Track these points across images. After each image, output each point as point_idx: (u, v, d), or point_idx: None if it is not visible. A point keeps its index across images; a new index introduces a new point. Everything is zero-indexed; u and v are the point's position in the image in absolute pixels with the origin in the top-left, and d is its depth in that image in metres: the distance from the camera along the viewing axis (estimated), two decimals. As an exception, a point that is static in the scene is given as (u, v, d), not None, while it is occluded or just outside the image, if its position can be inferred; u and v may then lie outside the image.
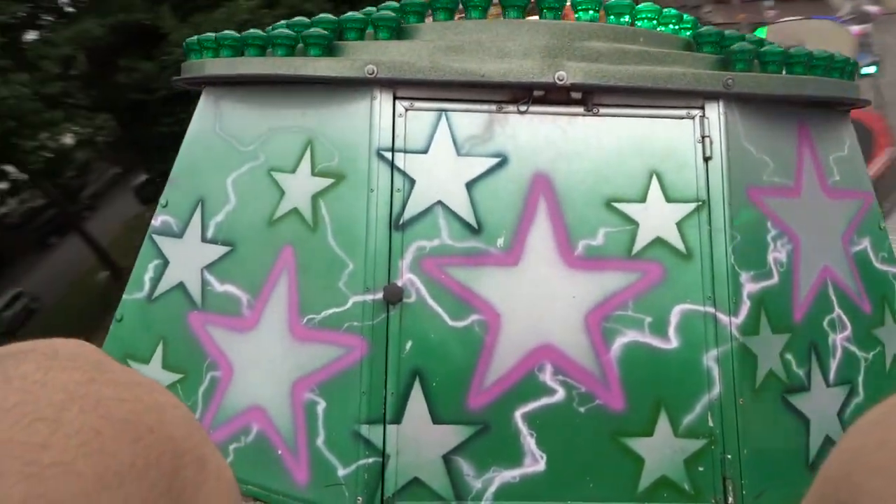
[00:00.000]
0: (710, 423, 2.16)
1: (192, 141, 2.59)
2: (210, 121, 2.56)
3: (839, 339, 2.43)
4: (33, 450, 0.32)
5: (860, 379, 2.45)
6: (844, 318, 2.46)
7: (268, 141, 2.43)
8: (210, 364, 2.38)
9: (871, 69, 12.28)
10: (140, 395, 0.39)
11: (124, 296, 2.56)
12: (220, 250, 2.42)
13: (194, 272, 2.45)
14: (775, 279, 2.33)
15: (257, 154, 2.43)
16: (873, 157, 13.30)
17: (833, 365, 2.40)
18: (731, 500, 2.13)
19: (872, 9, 12.03)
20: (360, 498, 2.10)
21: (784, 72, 2.55)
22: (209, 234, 2.45)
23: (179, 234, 2.51)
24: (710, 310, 2.21)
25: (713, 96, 2.37)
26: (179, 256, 2.50)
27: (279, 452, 2.23)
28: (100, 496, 0.32)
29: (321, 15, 2.62)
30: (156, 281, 2.52)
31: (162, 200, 2.57)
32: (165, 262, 2.52)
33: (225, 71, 2.50)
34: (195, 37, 2.69)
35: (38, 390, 0.35)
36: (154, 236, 2.56)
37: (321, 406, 2.19)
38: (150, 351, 2.49)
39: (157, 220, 2.56)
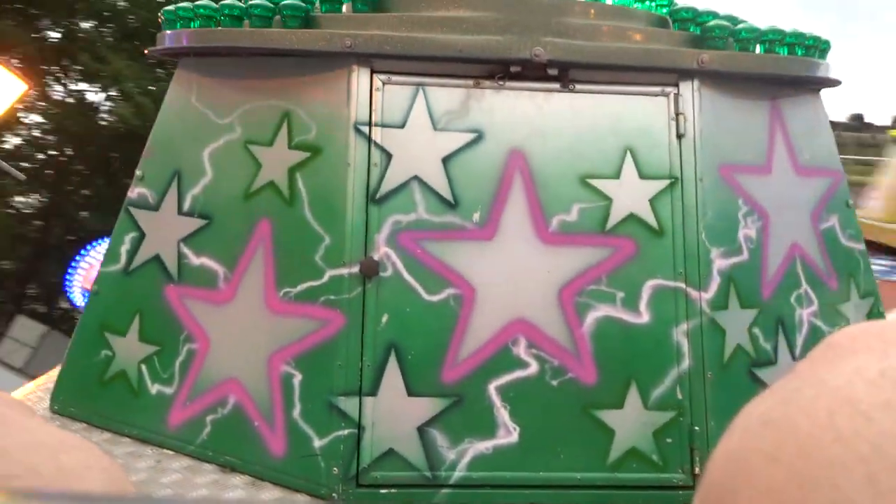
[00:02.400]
0: (679, 396, 2.21)
1: (168, 113, 2.57)
2: (186, 92, 2.54)
3: (806, 314, 2.49)
4: None
5: None
6: (812, 293, 2.51)
7: (245, 114, 2.42)
8: (186, 336, 2.39)
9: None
10: (37, 466, 0.34)
11: (100, 268, 2.55)
12: (197, 223, 2.42)
13: (171, 245, 2.44)
14: (745, 256, 2.37)
15: (234, 127, 2.42)
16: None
17: (799, 340, 2.46)
18: (697, 470, 2.19)
19: None
20: (335, 469, 2.13)
21: (757, 50, 2.58)
22: (185, 206, 2.45)
23: (156, 207, 2.50)
24: (681, 285, 2.25)
25: (687, 74, 2.39)
26: (156, 229, 2.49)
27: (256, 424, 2.26)
28: None
29: None
30: (132, 254, 2.52)
31: (138, 172, 2.56)
32: (142, 235, 2.52)
33: (200, 42, 2.48)
34: (172, 6, 2.66)
35: None
36: (130, 209, 2.55)
37: (297, 378, 2.21)
38: (127, 323, 2.50)
39: (134, 193, 2.55)
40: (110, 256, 2.54)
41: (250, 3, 2.50)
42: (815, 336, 2.50)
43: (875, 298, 2.75)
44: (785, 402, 0.32)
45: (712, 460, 0.35)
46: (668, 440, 2.20)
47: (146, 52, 2.76)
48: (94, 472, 0.36)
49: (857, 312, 2.65)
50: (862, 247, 2.75)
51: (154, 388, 2.43)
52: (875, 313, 2.73)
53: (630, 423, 2.20)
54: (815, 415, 0.30)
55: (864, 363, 0.31)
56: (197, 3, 2.56)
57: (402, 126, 2.29)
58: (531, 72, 2.34)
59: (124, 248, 2.52)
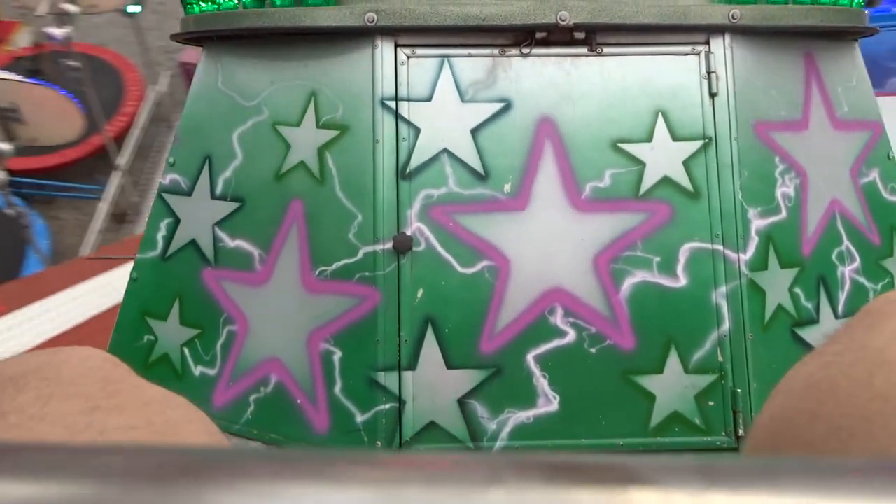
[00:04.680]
0: (720, 359, 2.19)
1: (195, 98, 2.58)
2: (213, 77, 2.55)
3: (848, 272, 2.44)
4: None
5: None
6: (853, 250, 2.46)
7: (271, 95, 2.42)
8: (226, 319, 2.42)
9: (137, 8, 11.04)
10: (150, 418, 0.36)
11: (138, 255, 2.59)
12: (230, 206, 2.44)
13: (206, 229, 2.47)
14: (783, 214, 2.33)
15: (261, 108, 2.43)
16: (122, 106, 11.95)
17: (842, 297, 2.41)
18: (741, 432, 2.17)
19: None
20: (378, 443, 2.15)
21: (790, 2, 2.50)
22: (218, 190, 2.47)
23: (189, 192, 2.53)
24: (719, 247, 2.22)
25: (718, 30, 2.33)
26: (190, 214, 2.52)
27: (298, 402, 2.29)
28: None
29: None
30: (168, 239, 2.55)
31: (169, 159, 2.58)
32: (177, 221, 2.54)
33: (224, 25, 2.48)
34: None
35: (35, 427, 0.33)
36: (164, 195, 2.58)
37: (337, 355, 2.23)
38: (167, 308, 2.53)
39: (166, 179, 2.58)
40: (147, 243, 2.57)
41: None
42: (858, 293, 2.45)
43: None
44: (826, 366, 0.35)
45: (757, 423, 0.38)
46: (710, 403, 2.19)
47: (171, 36, 2.77)
48: (195, 424, 0.39)
49: (900, 267, 2.60)
50: None
51: (197, 371, 2.47)
52: None
53: (671, 387, 2.19)
54: (854, 375, 0.32)
55: None
56: None
57: (429, 99, 2.27)
58: (557, 37, 2.30)
59: (160, 235, 2.55)
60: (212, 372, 2.44)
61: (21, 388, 0.36)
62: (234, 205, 2.43)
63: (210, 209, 2.47)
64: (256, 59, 2.49)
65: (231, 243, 2.43)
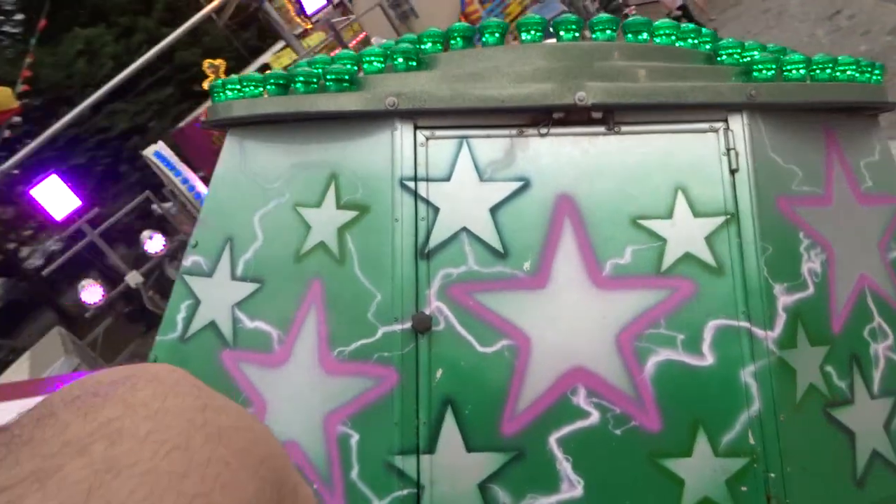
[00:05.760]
0: (751, 441, 2.11)
1: (219, 181, 2.63)
2: (236, 161, 2.60)
3: (881, 349, 2.36)
4: (177, 480, 0.32)
5: None
6: (885, 326, 2.39)
7: (292, 177, 2.46)
8: (244, 400, 2.39)
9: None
10: (251, 424, 0.39)
11: (158, 337, 2.59)
12: (250, 287, 2.45)
13: (225, 310, 2.47)
14: (811, 290, 2.28)
15: (282, 191, 2.46)
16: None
17: (877, 376, 2.33)
18: None
19: None
20: None
21: (808, 79, 2.51)
22: (238, 271, 2.48)
23: (209, 273, 2.54)
24: (745, 324, 2.17)
25: (736, 108, 2.34)
26: (210, 295, 2.53)
27: (315, 486, 2.23)
28: None
29: (341, 51, 2.66)
30: (188, 321, 2.55)
31: (192, 241, 2.62)
32: (197, 302, 2.55)
33: (248, 111, 2.55)
34: (219, 80, 2.75)
35: (164, 418, 0.35)
36: (185, 276, 2.60)
37: (354, 438, 2.18)
38: None
39: (188, 261, 2.60)
40: (167, 325, 2.58)
41: (294, 70, 2.57)
42: (893, 371, 2.36)
43: None
44: None
45: None
46: (743, 488, 2.09)
47: (198, 124, 2.84)
48: (274, 437, 0.41)
49: (937, 343, 2.51)
50: None
51: (214, 454, 2.43)
52: None
53: (700, 471, 2.10)
54: None
55: None
56: (243, 75, 2.64)
57: (448, 179, 2.29)
58: (575, 117, 2.32)
59: (180, 317, 2.56)
60: (229, 456, 2.40)
61: (135, 387, 0.38)
62: (254, 286, 2.44)
63: (230, 290, 2.48)
64: (278, 143, 2.54)
65: (250, 324, 2.42)
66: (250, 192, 2.52)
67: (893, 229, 2.54)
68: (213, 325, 2.49)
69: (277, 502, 0.36)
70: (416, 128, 2.33)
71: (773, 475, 2.09)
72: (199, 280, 2.57)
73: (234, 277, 2.49)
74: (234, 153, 2.63)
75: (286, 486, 0.38)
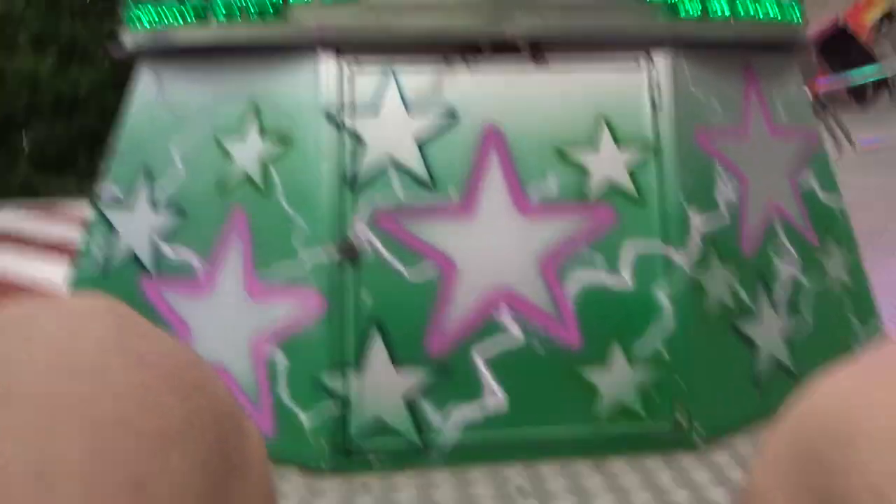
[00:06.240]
0: (662, 352, 2.22)
1: (134, 111, 2.54)
2: (151, 91, 2.52)
3: (786, 269, 2.49)
4: (86, 405, 0.28)
5: (806, 304, 2.52)
6: (791, 248, 2.52)
7: (213, 108, 2.40)
8: (169, 329, 2.36)
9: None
10: (178, 350, 0.35)
11: (73, 269, 2.53)
12: (171, 217, 2.40)
13: (145, 241, 2.42)
14: (724, 216, 2.38)
15: (203, 122, 2.40)
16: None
17: (780, 293, 2.46)
18: (681, 419, 2.20)
19: None
20: (324, 442, 2.13)
21: (730, 17, 2.56)
22: (158, 202, 2.43)
23: (127, 205, 2.48)
24: (662, 248, 2.26)
25: (661, 44, 2.39)
26: (129, 226, 2.47)
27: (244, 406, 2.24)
28: (168, 455, 0.28)
29: None
30: (107, 252, 2.49)
31: (107, 172, 2.54)
32: (115, 233, 2.49)
33: (166, 41, 2.45)
34: (130, 2, 2.62)
35: (69, 345, 0.31)
36: (101, 208, 2.53)
37: (282, 360, 2.20)
38: None
39: (104, 192, 2.53)
40: (85, 257, 2.51)
41: None
42: (795, 289, 2.50)
43: (853, 249, 2.75)
44: (889, 369, 0.32)
45: (799, 419, 0.35)
46: (653, 393, 2.21)
47: (110, 52, 2.72)
48: (212, 368, 0.36)
49: (835, 264, 2.66)
50: (840, 201, 2.75)
51: (139, 388, 2.40)
52: (853, 264, 2.73)
53: (615, 379, 2.21)
54: None
55: None
56: (159, 1, 2.53)
57: (375, 110, 2.28)
58: (502, 49, 2.33)
59: (98, 248, 2.50)
60: (154, 388, 2.38)
61: (36, 320, 0.33)
62: (176, 216, 2.40)
63: (150, 221, 2.42)
64: (197, 74, 2.46)
65: (172, 254, 2.38)
66: (169, 123, 2.45)
67: (803, 161, 2.66)
68: (134, 256, 2.44)
69: (220, 435, 0.32)
70: (341, 59, 2.30)
71: (680, 382, 2.21)
72: (116, 211, 2.50)
73: (153, 208, 2.43)
74: (148, 83, 2.54)
75: (229, 422, 0.34)
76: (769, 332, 2.42)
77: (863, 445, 0.29)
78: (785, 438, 0.33)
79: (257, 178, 2.29)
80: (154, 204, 2.42)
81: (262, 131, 2.32)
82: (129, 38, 2.58)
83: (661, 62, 2.38)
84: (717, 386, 2.27)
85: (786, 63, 2.76)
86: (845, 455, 0.30)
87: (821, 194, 2.67)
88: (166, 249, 2.38)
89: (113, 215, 2.49)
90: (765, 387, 2.36)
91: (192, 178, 2.38)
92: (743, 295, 2.37)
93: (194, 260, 2.34)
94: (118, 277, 2.45)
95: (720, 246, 2.34)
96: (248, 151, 2.32)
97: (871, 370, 0.31)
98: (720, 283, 2.33)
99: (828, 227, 2.66)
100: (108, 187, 2.50)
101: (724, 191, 2.40)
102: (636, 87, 2.37)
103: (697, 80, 2.45)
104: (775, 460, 0.34)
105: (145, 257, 2.41)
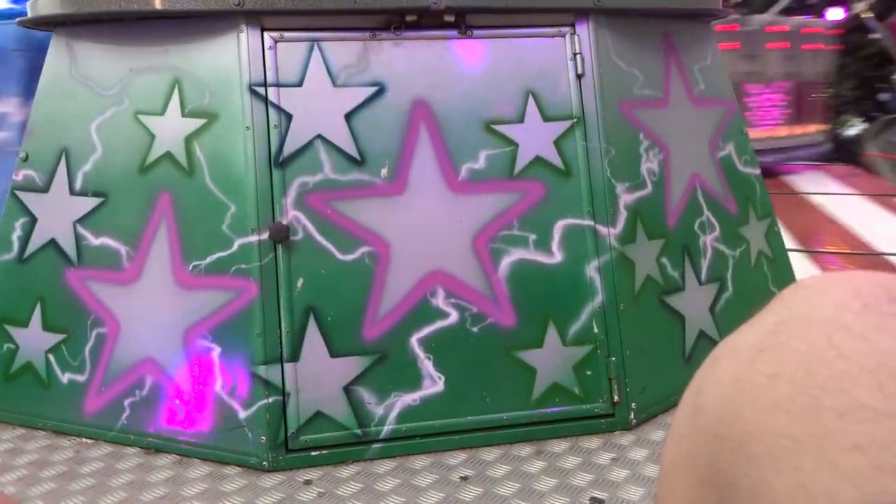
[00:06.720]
0: (595, 330, 2.28)
1: (47, 87, 2.42)
2: (65, 64, 2.39)
3: (709, 240, 2.59)
4: None
5: (729, 275, 2.63)
6: (713, 219, 2.61)
7: (131, 82, 2.30)
8: (94, 321, 2.30)
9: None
10: None
11: None
12: (92, 202, 2.31)
13: (66, 227, 2.33)
14: (649, 189, 2.44)
15: (121, 97, 2.30)
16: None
17: (704, 264, 2.55)
18: (616, 398, 2.27)
19: None
20: (263, 437, 2.11)
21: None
22: (77, 185, 2.33)
23: (45, 189, 2.37)
24: (590, 223, 2.30)
25: (583, 13, 2.40)
26: (47, 212, 2.36)
27: (176, 402, 2.20)
28: None
29: None
30: (24, 240, 2.39)
31: (21, 154, 2.41)
32: (33, 219, 2.38)
33: (78, 8, 2.33)
34: None
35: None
36: (17, 192, 2.41)
37: (216, 351, 2.16)
38: (28, 313, 2.38)
39: (19, 175, 2.41)
40: (1, 245, 2.40)
41: None
42: (718, 260, 2.60)
43: (771, 219, 2.88)
44: (774, 333, 0.34)
45: (700, 388, 0.37)
46: (588, 373, 2.27)
47: (17, 21, 2.57)
48: None
49: (755, 234, 2.77)
50: (757, 171, 2.86)
51: (65, 378, 2.33)
52: (772, 233, 2.86)
53: (550, 360, 2.26)
54: (811, 340, 0.32)
55: (843, 300, 0.34)
56: None
57: (300, 84, 2.22)
58: (428, 20, 2.30)
59: (16, 235, 2.39)
60: (81, 378, 2.32)
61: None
62: (97, 200, 2.30)
63: (70, 206, 2.32)
64: (113, 45, 2.35)
65: (95, 241, 2.30)
66: (84, 99, 2.34)
67: (722, 130, 2.74)
68: (53, 244, 2.34)
69: None
70: (263, 30, 2.23)
71: (613, 359, 2.28)
72: (33, 196, 2.39)
73: (73, 192, 2.33)
74: (61, 56, 2.41)
75: None
76: (696, 304, 2.51)
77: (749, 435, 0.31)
78: (686, 423, 0.36)
79: (181, 158, 2.22)
80: (73, 187, 2.32)
81: (184, 107, 2.24)
82: (37, 4, 2.44)
83: (584, 31, 2.40)
84: (650, 363, 2.35)
85: (704, 32, 2.83)
86: (735, 452, 0.32)
87: (739, 164, 2.77)
88: (88, 236, 2.30)
89: (30, 200, 2.37)
90: (695, 361, 2.46)
91: (113, 160, 2.29)
92: (669, 268, 2.45)
93: (118, 247, 2.27)
94: (38, 266, 2.35)
95: (645, 218, 2.40)
96: (170, 130, 2.24)
97: (760, 347, 0.34)
98: (648, 258, 2.40)
99: (747, 196, 2.77)
100: (23, 170, 2.38)
101: (649, 162, 2.46)
102: (560, 58, 2.38)
103: (619, 49, 2.48)
104: (679, 440, 0.37)
105: (66, 245, 2.32)
